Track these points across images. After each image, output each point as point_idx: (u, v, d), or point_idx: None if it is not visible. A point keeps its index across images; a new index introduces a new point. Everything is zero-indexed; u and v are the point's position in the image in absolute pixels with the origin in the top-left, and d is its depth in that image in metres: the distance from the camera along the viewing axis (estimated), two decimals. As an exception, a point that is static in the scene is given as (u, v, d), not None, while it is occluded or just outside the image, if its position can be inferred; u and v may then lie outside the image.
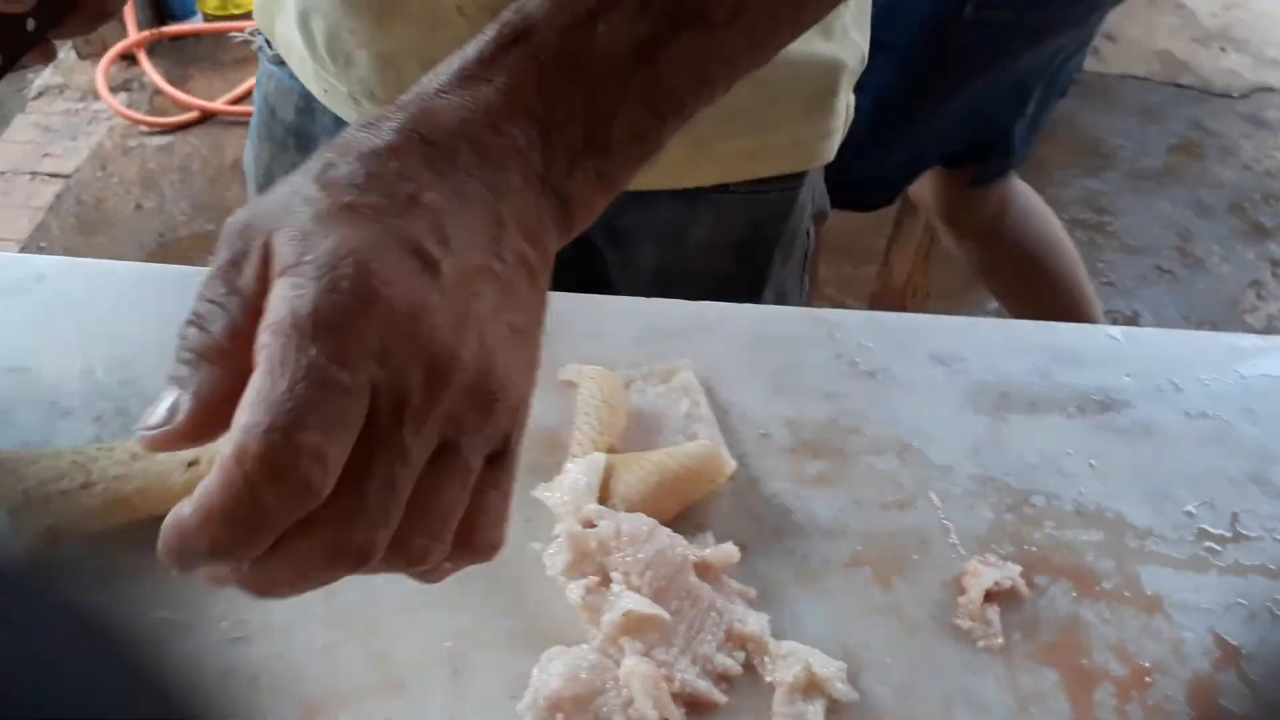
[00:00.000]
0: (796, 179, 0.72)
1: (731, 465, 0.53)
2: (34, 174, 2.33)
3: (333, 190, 0.34)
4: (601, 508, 0.50)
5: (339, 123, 0.71)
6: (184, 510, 0.31)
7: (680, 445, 0.54)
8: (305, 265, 0.32)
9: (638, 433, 0.56)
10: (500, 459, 0.36)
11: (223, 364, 0.33)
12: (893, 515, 0.53)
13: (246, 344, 0.33)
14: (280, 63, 0.74)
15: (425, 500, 0.34)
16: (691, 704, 0.46)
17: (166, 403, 0.33)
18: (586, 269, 0.74)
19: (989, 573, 0.50)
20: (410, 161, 0.35)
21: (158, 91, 2.46)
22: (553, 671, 0.46)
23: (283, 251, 0.33)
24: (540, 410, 0.57)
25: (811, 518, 0.53)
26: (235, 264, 0.34)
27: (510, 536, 0.51)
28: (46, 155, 2.38)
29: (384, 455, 0.32)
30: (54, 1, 0.54)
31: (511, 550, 0.51)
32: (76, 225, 2.19)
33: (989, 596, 0.49)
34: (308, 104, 0.74)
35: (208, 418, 0.33)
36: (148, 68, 2.48)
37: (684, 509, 0.53)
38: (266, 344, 0.32)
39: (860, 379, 0.59)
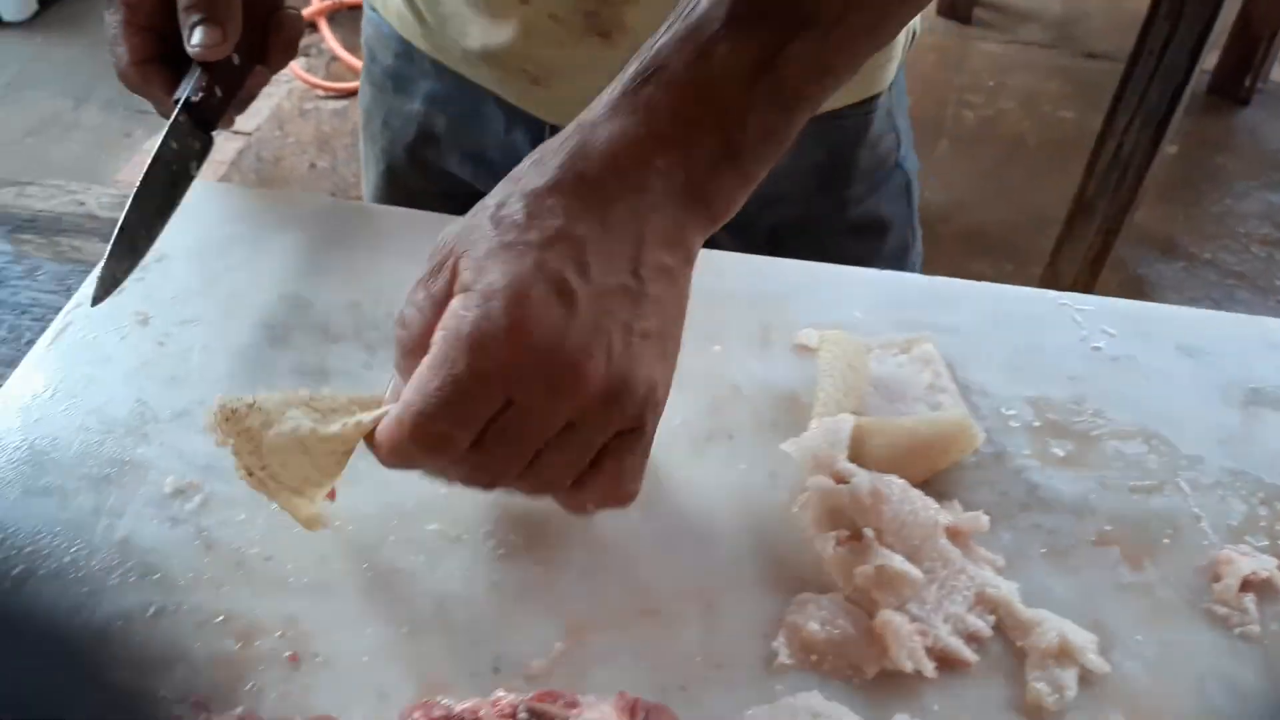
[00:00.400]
0: (867, 104, 0.74)
1: (980, 437, 0.53)
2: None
3: (502, 229, 0.44)
4: (853, 465, 0.52)
5: (436, 67, 0.75)
6: (383, 428, 0.45)
7: (929, 414, 0.55)
8: (474, 291, 0.42)
9: (878, 400, 0.58)
10: (632, 433, 0.45)
11: (416, 357, 0.44)
12: (1140, 499, 0.53)
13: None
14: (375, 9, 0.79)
15: (550, 460, 0.44)
16: (943, 661, 0.47)
17: (389, 386, 0.47)
18: None
19: (1245, 561, 0.49)
20: (565, 198, 0.44)
21: (334, 58, 2.57)
22: (809, 614, 0.48)
23: (463, 275, 0.43)
24: (778, 372, 0.59)
25: (1057, 495, 0.53)
26: (435, 273, 0.45)
27: (756, 487, 0.53)
28: (230, 113, 2.49)
29: (513, 436, 0.43)
30: (251, 39, 0.61)
31: (758, 501, 0.54)
32: (256, 180, 2.30)
33: (1244, 585, 0.49)
34: (405, 49, 0.77)
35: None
36: (327, 35, 2.59)
37: (929, 477, 0.54)
38: (436, 343, 0.43)
39: (1104, 364, 0.59)
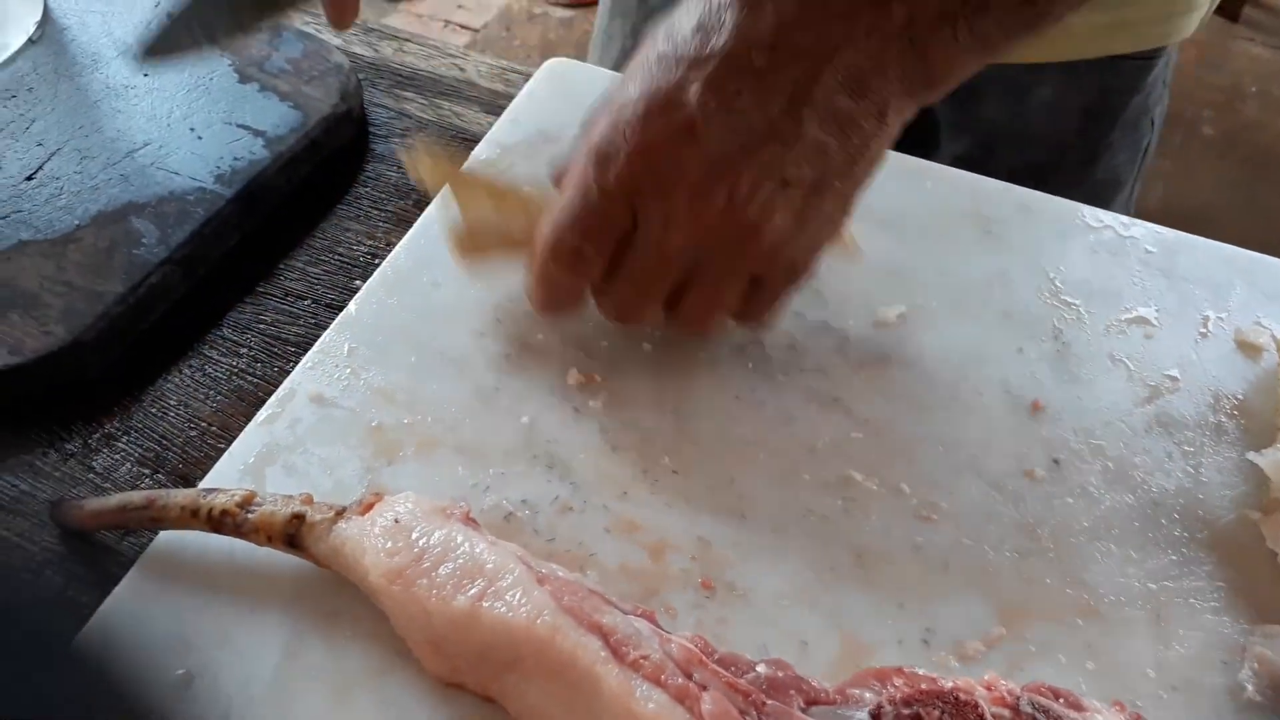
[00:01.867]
0: (1155, 54, 0.68)
1: None
2: (447, 22, 2.46)
3: (662, 39, 0.42)
4: (1339, 491, 0.45)
5: None
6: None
7: None
8: (612, 102, 0.43)
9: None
10: (757, 282, 0.45)
11: None
12: None
13: None
14: None
15: (692, 296, 0.46)
16: None
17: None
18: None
19: None
20: (741, 10, 0.40)
21: (572, -36, 2.54)
22: (1290, 651, 0.42)
23: (616, 89, 0.44)
24: (1219, 367, 0.53)
25: None
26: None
27: (1226, 502, 0.47)
28: (460, 7, 2.50)
29: (640, 261, 0.44)
30: None
31: (1211, 508, 0.48)
32: (479, 78, 2.30)
33: None
34: None
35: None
36: (568, -61, 2.55)
37: None
38: (570, 169, 0.45)
39: None
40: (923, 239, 0.58)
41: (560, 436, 0.49)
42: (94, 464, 0.49)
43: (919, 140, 0.70)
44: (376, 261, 0.58)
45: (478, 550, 0.40)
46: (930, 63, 0.40)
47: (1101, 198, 0.74)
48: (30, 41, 0.64)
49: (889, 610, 0.45)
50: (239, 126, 0.59)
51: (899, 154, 0.60)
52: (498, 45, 2.41)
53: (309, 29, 0.70)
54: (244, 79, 0.62)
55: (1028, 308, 0.55)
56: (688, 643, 0.38)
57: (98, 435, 0.50)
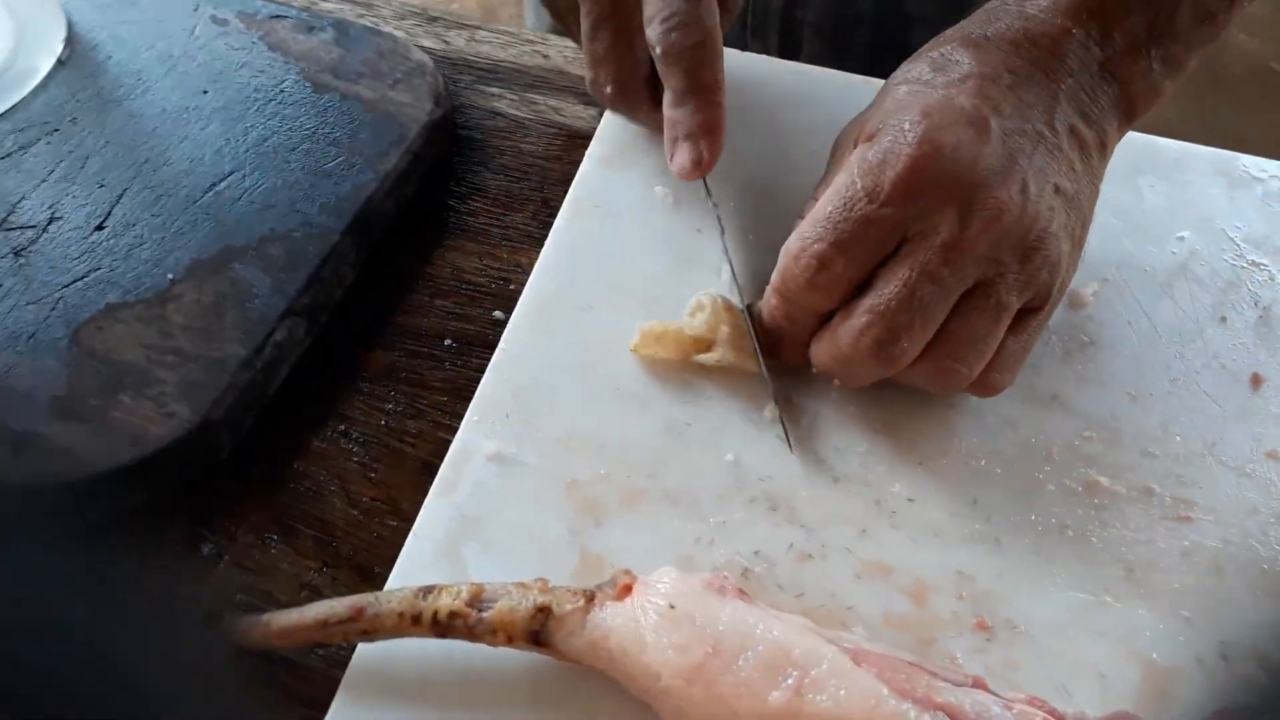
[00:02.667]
0: None
1: None
2: None
3: (909, 84, 0.42)
4: None
5: None
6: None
7: None
8: (883, 130, 0.41)
9: None
10: (1033, 313, 0.41)
11: None
12: None
13: None
14: None
15: (959, 328, 0.40)
16: None
17: None
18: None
19: None
20: (974, 51, 0.42)
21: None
22: None
23: (867, 126, 0.42)
24: None
25: None
26: (837, 163, 0.44)
27: None
28: (387, -33, 2.36)
29: (914, 273, 0.39)
30: None
31: None
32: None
33: None
34: None
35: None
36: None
37: None
38: (839, 164, 0.43)
39: None
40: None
41: (773, 472, 0.44)
42: (248, 563, 0.43)
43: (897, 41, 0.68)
44: (511, 287, 0.51)
45: (776, 633, 0.35)
46: (1132, 94, 0.43)
47: None
48: (60, 63, 0.55)
49: (1177, 626, 0.41)
50: (330, 144, 0.52)
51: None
52: (439, 1, 2.29)
53: (367, 19, 0.62)
54: (319, 88, 0.55)
55: (1217, 272, 0.52)
56: (1034, 709, 0.34)
57: (244, 527, 0.44)
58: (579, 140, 0.57)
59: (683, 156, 0.47)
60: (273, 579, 0.42)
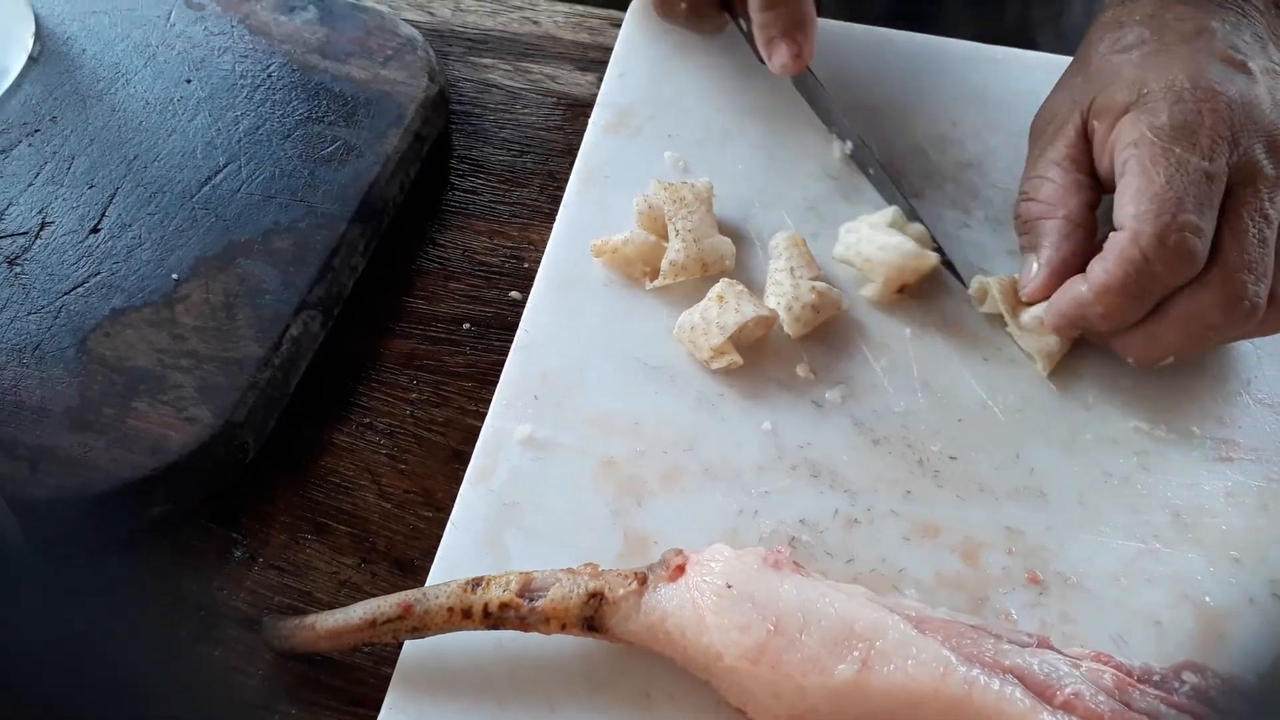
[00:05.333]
0: None
1: None
2: None
3: (1132, 48, 0.44)
4: None
5: None
6: (1079, 288, 0.42)
7: None
8: (1146, 97, 0.42)
9: None
10: None
11: (1053, 216, 0.45)
12: None
13: (1064, 198, 0.44)
14: None
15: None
16: None
17: (1031, 263, 0.45)
18: None
19: None
20: (1197, 11, 0.44)
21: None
22: None
23: (1116, 98, 0.43)
24: None
25: None
26: (1054, 138, 0.46)
27: None
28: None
29: (1251, 219, 0.40)
30: None
31: None
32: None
33: None
34: None
35: (1060, 262, 0.44)
36: None
37: None
38: (1130, 155, 0.41)
39: None
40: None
41: (812, 439, 0.44)
42: (283, 564, 0.42)
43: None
44: (525, 265, 0.50)
45: (837, 607, 0.34)
46: None
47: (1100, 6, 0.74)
48: (32, 60, 0.53)
49: (1227, 567, 0.41)
50: (328, 128, 0.50)
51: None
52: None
53: (348, -2, 0.60)
54: (307, 70, 0.53)
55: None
56: (1101, 664, 0.34)
57: (275, 527, 0.42)
58: (579, 108, 0.55)
59: (781, 54, 0.48)
60: (310, 578, 0.41)
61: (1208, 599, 0.40)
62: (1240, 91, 0.41)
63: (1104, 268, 0.41)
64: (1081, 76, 0.46)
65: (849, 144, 0.51)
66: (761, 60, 0.50)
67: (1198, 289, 0.41)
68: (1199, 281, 0.41)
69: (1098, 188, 0.45)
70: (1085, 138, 0.45)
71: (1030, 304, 0.45)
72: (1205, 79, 0.41)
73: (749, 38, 0.50)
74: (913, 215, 0.48)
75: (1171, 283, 0.41)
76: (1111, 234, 0.42)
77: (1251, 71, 0.42)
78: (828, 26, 0.56)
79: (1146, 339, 0.43)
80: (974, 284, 0.47)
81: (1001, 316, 0.46)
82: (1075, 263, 0.44)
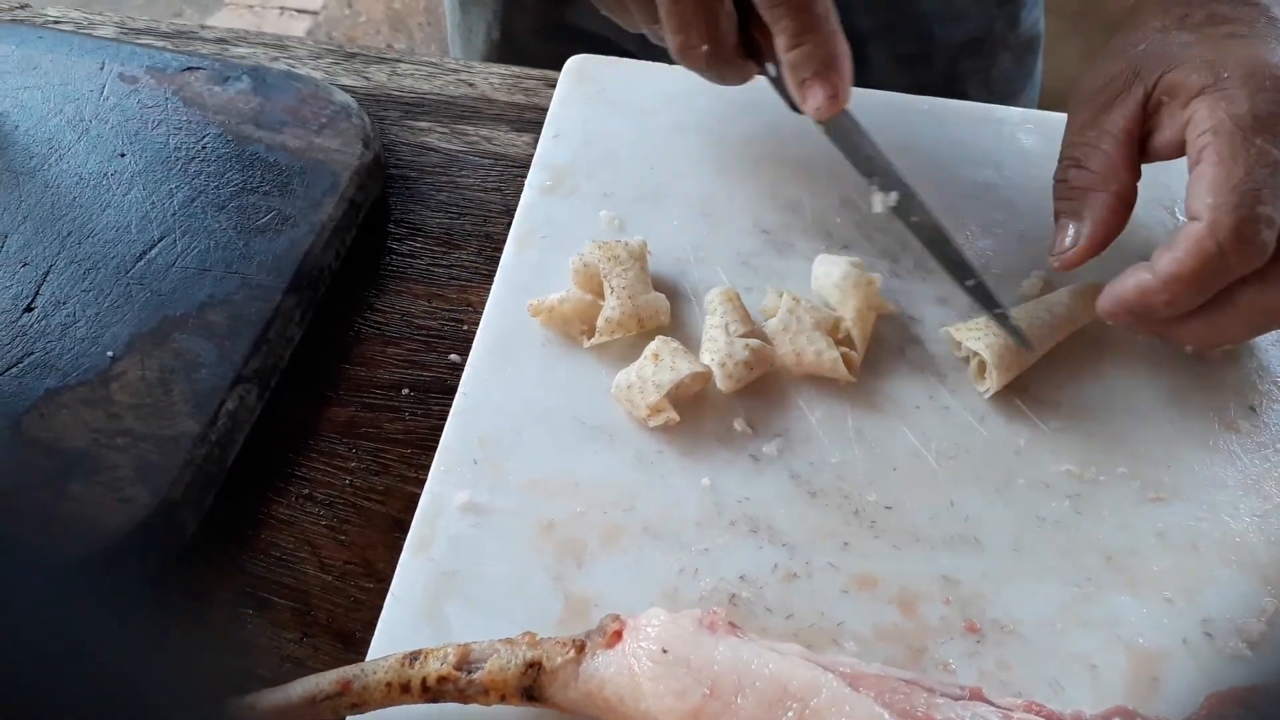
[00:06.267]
0: None
1: None
2: (282, 9, 2.29)
3: (1198, 30, 0.44)
4: None
5: None
6: (1142, 275, 0.42)
7: None
8: (1225, 81, 0.41)
9: None
10: None
11: (1104, 190, 0.45)
12: None
13: (1117, 173, 0.45)
14: None
15: None
16: None
17: (1069, 232, 0.46)
18: None
19: None
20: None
21: (402, -74, 2.38)
22: None
23: (1189, 79, 0.43)
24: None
25: None
26: (1110, 103, 0.45)
27: None
28: (292, -12, 2.33)
29: None
30: None
31: None
32: (334, 63, 2.14)
33: None
34: None
35: (1103, 237, 0.45)
36: (393, -101, 2.39)
37: None
38: (1209, 143, 0.41)
39: None
40: (1020, 193, 0.54)
41: (750, 493, 0.44)
42: (224, 641, 0.41)
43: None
44: (464, 328, 0.50)
45: (771, 667, 0.34)
46: None
47: (1033, 55, 0.76)
48: (-37, 137, 0.53)
49: (1159, 609, 0.42)
50: (260, 199, 0.51)
51: (931, 99, 0.57)
52: (343, 25, 2.25)
53: (284, 63, 0.60)
54: (241, 140, 0.53)
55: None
56: (1032, 714, 0.34)
57: (216, 603, 0.42)
58: (516, 168, 0.56)
59: (816, 96, 0.45)
60: (252, 655, 0.41)
61: (1141, 640, 0.41)
62: None
63: (1174, 257, 0.41)
64: (1143, 46, 0.45)
65: (894, 195, 0.47)
66: (793, 107, 0.48)
67: (1265, 280, 0.41)
68: (1267, 272, 0.41)
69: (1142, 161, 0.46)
70: (1145, 110, 0.45)
71: (1061, 270, 0.46)
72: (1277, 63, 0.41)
73: (777, 83, 0.48)
74: (968, 274, 0.47)
75: (1241, 273, 0.41)
76: (1186, 224, 0.42)
77: None
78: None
79: (1208, 327, 0.43)
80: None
81: (935, 359, 0.47)
82: (1113, 239, 0.45)
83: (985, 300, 0.47)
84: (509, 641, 0.37)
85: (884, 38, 0.70)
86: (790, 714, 0.33)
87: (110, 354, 0.45)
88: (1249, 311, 0.42)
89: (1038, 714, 0.34)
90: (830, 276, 0.49)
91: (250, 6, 2.27)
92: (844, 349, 0.47)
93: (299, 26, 2.22)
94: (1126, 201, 0.45)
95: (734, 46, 0.47)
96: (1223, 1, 0.45)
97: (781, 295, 0.48)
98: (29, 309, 0.47)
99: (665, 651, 0.35)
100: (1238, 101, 0.41)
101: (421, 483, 0.44)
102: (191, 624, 0.41)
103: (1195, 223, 0.41)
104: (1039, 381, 0.47)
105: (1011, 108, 0.58)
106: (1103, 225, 0.45)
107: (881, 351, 0.48)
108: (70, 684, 0.25)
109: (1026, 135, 0.57)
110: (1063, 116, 0.56)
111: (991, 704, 0.35)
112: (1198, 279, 0.41)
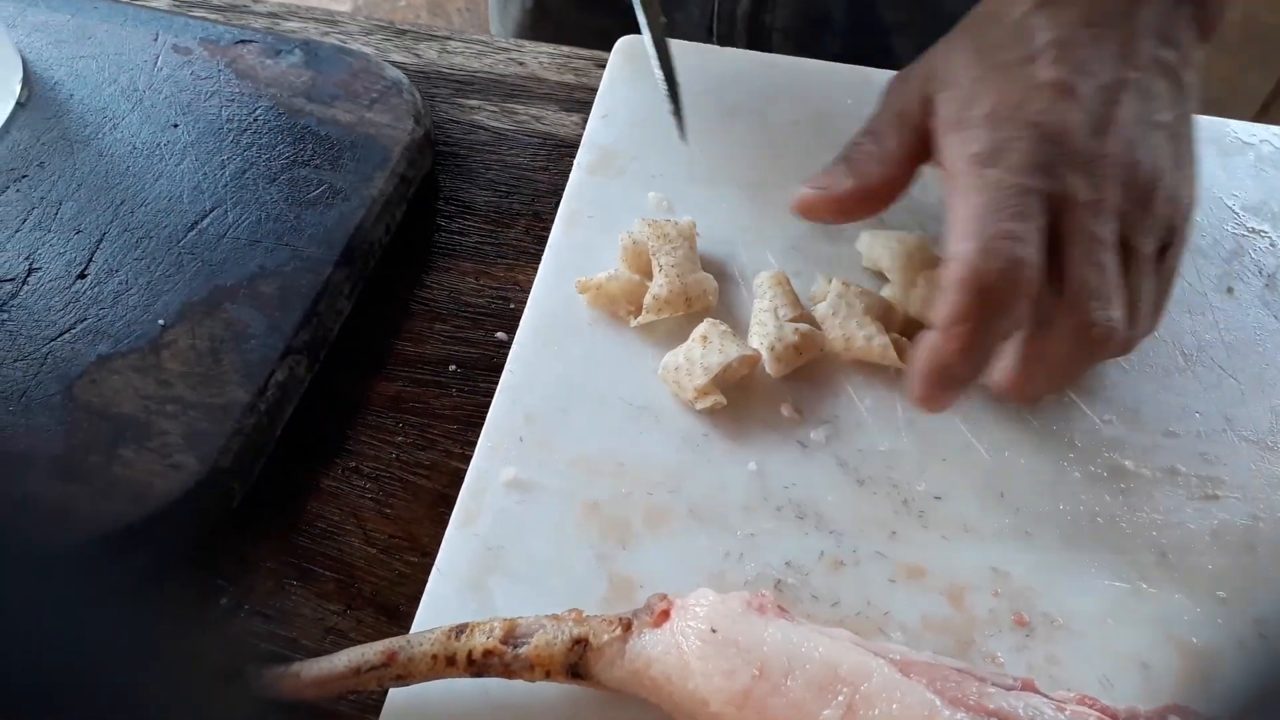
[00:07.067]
0: None
1: None
2: (323, -11, 2.29)
3: (985, 55, 0.42)
4: None
5: None
6: (927, 337, 0.39)
7: None
8: (967, 121, 0.41)
9: None
10: (1166, 251, 0.41)
11: (883, 166, 0.43)
12: None
13: (895, 173, 0.44)
14: None
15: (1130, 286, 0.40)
16: None
17: (833, 172, 0.44)
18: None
19: None
20: (1045, 9, 0.41)
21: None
22: None
23: (946, 110, 0.42)
24: None
25: None
26: (895, 121, 0.44)
27: None
28: (334, -30, 2.33)
29: (1081, 244, 0.39)
30: None
31: None
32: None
33: None
34: None
35: (860, 199, 0.43)
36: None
37: None
38: (953, 187, 0.40)
39: None
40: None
41: (797, 479, 0.44)
42: (269, 611, 0.42)
43: (871, 48, 0.67)
44: (511, 306, 0.50)
45: (821, 651, 0.34)
46: (1208, 11, 0.43)
47: None
48: (19, 105, 0.53)
49: (1213, 608, 0.41)
50: (313, 171, 0.51)
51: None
52: (383, 8, 2.25)
53: (334, 38, 0.60)
54: (293, 114, 0.53)
55: (1219, 243, 0.52)
56: (1085, 708, 0.34)
57: (261, 574, 0.42)
58: (565, 148, 0.56)
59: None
60: (296, 625, 0.41)
61: (1194, 640, 0.40)
62: (1057, 120, 0.39)
63: (942, 302, 0.39)
64: (946, 78, 0.43)
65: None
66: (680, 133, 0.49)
67: (1047, 323, 0.40)
68: (1047, 316, 0.39)
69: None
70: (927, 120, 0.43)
71: (798, 208, 0.44)
72: (1026, 109, 0.40)
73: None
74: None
75: (1010, 298, 0.38)
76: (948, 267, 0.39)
77: (1075, 95, 0.40)
78: (782, 63, 0.57)
79: (1016, 380, 0.41)
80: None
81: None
82: (862, 213, 0.44)
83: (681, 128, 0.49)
84: (555, 618, 0.37)
85: (910, 31, 0.69)
86: (840, 698, 0.33)
87: (161, 322, 0.46)
88: (1042, 357, 0.40)
89: (1091, 707, 0.34)
90: (884, 245, 0.48)
91: (291, -12, 2.28)
92: (895, 335, 0.46)
93: (342, 7, 2.23)
94: (893, 191, 0.44)
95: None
96: (1021, 28, 0.41)
97: (831, 280, 0.48)
98: (82, 275, 0.47)
99: (714, 631, 0.35)
100: (973, 142, 0.40)
101: (467, 459, 0.43)
102: (238, 593, 0.41)
103: (953, 261, 0.39)
104: (1094, 376, 0.47)
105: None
106: (861, 193, 0.43)
107: (933, 340, 0.47)
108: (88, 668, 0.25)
109: (1083, 126, 0.56)
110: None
111: (1045, 695, 0.34)
112: (969, 315, 0.38)
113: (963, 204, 0.39)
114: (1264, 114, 1.54)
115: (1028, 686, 0.34)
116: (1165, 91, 0.41)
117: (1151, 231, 0.40)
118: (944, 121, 0.42)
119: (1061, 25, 0.41)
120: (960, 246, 0.38)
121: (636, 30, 0.49)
